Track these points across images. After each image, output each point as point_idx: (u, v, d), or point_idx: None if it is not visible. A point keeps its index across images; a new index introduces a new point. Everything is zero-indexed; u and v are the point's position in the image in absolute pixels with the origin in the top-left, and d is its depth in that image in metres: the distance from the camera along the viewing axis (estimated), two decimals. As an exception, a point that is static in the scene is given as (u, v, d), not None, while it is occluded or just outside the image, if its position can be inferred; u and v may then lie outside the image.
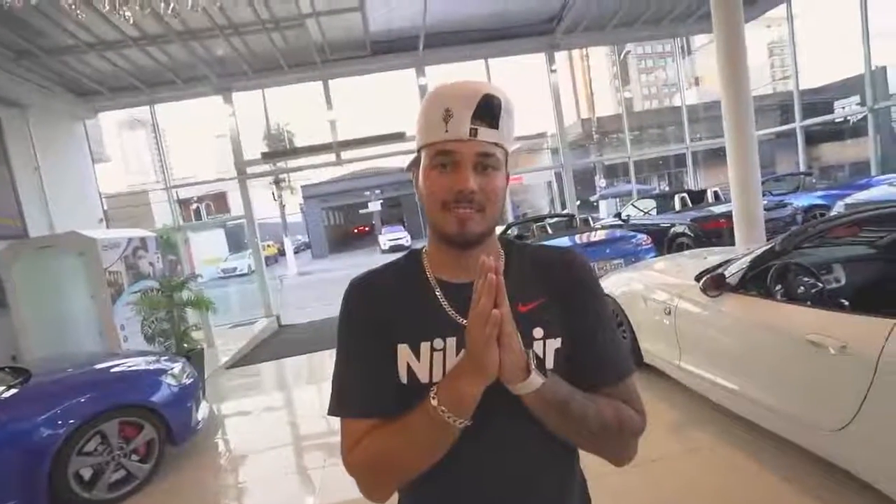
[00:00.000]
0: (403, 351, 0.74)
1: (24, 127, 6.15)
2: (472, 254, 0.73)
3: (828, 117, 12.93)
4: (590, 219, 7.93)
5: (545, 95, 8.98)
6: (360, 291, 0.80)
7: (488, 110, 0.69)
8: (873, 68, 8.64)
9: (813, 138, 16.32)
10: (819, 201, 7.89)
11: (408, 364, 0.74)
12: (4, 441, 2.63)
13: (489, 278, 0.61)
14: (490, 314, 0.61)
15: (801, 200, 7.87)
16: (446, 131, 0.69)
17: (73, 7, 4.14)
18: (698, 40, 16.81)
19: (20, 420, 2.72)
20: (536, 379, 0.65)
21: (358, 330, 0.77)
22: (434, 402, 0.65)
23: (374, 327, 0.76)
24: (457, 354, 0.72)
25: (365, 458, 0.71)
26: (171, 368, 3.46)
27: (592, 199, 21.21)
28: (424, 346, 0.73)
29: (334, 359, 0.79)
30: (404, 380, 0.74)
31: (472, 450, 0.71)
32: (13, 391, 2.89)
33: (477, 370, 0.63)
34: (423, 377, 0.73)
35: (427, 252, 0.82)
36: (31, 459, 2.67)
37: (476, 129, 0.69)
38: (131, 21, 4.95)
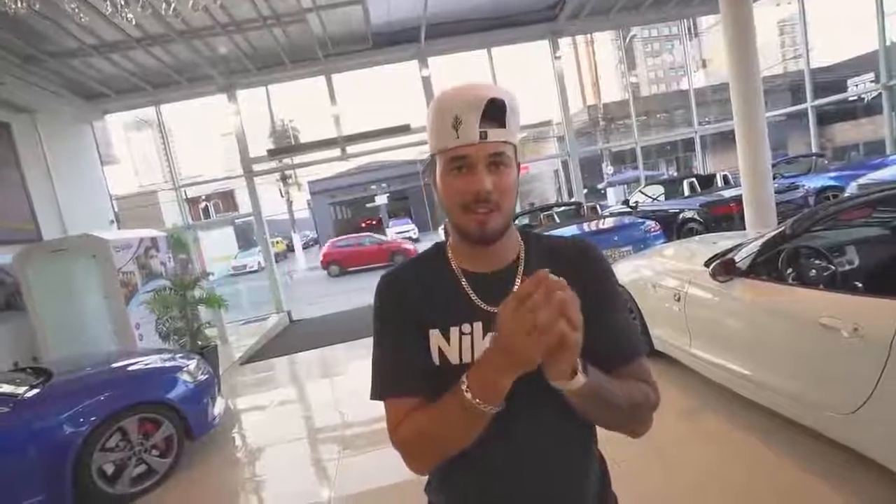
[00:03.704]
0: (435, 336, 0.81)
1: (33, 132, 6.23)
2: (493, 246, 0.79)
3: (840, 96, 12.61)
4: (597, 206, 7.87)
5: (550, 83, 8.89)
6: (391, 285, 0.87)
7: (495, 113, 0.73)
8: (888, 44, 8.41)
9: (826, 118, 15.98)
10: (832, 182, 7.75)
11: (439, 347, 0.81)
12: (29, 438, 2.70)
13: (557, 296, 0.58)
14: (536, 322, 0.58)
15: (813, 182, 7.75)
16: (457, 137, 0.74)
17: (76, 10, 4.17)
18: (705, 21, 16.46)
19: (43, 418, 2.79)
20: (580, 378, 0.65)
21: (392, 320, 0.84)
22: (468, 395, 0.66)
23: (407, 316, 0.82)
24: (483, 337, 0.78)
25: (407, 436, 0.77)
26: (187, 365, 3.53)
27: (600, 186, 21.03)
28: (454, 331, 0.80)
29: (371, 350, 0.85)
30: (437, 362, 0.80)
31: (492, 431, 0.74)
32: (36, 391, 2.96)
33: (512, 365, 0.63)
34: (454, 359, 0.80)
35: (451, 245, 0.88)
36: (56, 456, 2.75)
37: (485, 132, 0.73)
38: (133, 23, 4.97)
